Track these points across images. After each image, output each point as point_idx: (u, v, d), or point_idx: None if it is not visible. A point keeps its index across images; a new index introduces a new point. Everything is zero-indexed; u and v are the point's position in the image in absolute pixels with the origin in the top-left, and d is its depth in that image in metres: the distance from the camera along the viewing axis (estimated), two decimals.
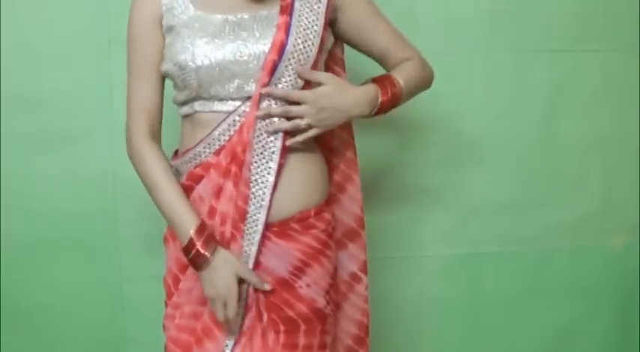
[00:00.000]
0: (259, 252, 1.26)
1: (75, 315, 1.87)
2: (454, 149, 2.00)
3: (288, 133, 1.25)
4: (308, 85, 1.25)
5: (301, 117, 1.23)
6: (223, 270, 1.21)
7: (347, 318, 1.46)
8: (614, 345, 2.16)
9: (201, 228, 1.22)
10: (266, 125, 1.23)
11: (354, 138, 1.46)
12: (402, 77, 1.33)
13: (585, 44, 2.02)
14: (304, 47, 1.22)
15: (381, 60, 1.40)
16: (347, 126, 1.43)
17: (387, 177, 1.98)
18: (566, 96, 2.04)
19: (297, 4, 1.24)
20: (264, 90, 1.22)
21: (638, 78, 2.07)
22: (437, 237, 2.03)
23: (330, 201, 1.37)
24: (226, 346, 1.27)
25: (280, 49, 1.20)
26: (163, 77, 1.30)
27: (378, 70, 1.40)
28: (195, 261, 1.22)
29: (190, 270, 1.29)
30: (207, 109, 1.26)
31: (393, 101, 1.31)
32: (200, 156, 1.27)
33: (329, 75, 1.28)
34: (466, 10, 1.95)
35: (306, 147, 1.29)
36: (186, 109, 1.29)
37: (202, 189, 1.26)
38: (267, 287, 1.26)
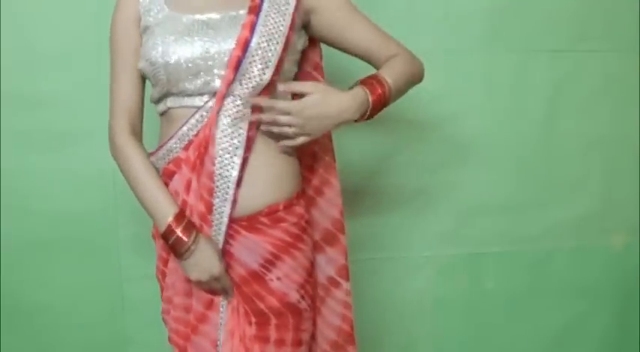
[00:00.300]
0: (229, 244, 1.29)
1: (75, 315, 1.87)
2: (454, 149, 2.00)
3: (254, 129, 1.26)
4: (274, 82, 1.26)
5: (289, 126, 1.25)
6: (208, 251, 1.25)
7: (325, 323, 1.44)
8: (614, 345, 2.16)
9: (180, 216, 1.25)
10: (232, 121, 1.25)
11: (332, 143, 1.47)
12: (389, 75, 1.31)
13: (585, 44, 2.02)
14: (268, 45, 1.24)
15: (366, 60, 1.39)
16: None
17: (386, 178, 1.98)
18: (567, 96, 2.04)
19: (265, 5, 1.26)
20: (253, 101, 1.24)
21: (638, 78, 2.07)
22: (437, 237, 2.03)
23: (302, 196, 1.37)
24: (220, 324, 1.30)
25: (244, 46, 1.23)
26: (143, 76, 1.34)
27: (360, 70, 1.39)
28: (176, 248, 1.24)
29: (171, 264, 1.33)
30: (177, 105, 1.29)
31: (382, 101, 1.30)
32: (172, 151, 1.30)
33: (312, 84, 1.30)
34: (466, 10, 1.95)
35: (275, 142, 1.30)
36: (161, 107, 1.33)
37: (177, 183, 1.29)
38: None
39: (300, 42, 1.34)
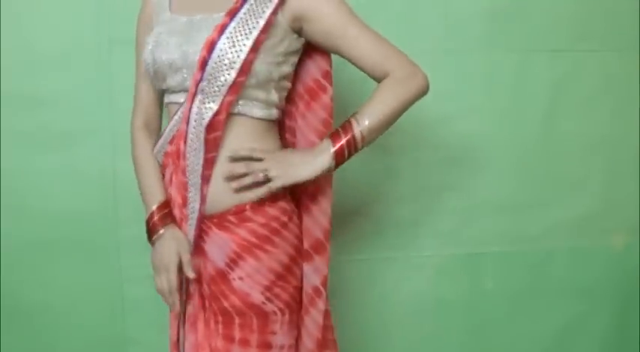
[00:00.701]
0: (203, 241, 1.34)
1: (75, 315, 1.87)
2: (454, 149, 2.00)
3: (212, 129, 1.28)
4: (239, 83, 1.26)
5: (264, 171, 1.29)
6: (170, 243, 1.32)
7: (307, 332, 1.41)
8: (614, 345, 2.16)
9: (164, 205, 1.35)
10: (200, 118, 1.27)
11: None
12: (368, 114, 1.29)
13: (585, 44, 2.02)
14: (234, 46, 1.26)
15: (363, 71, 1.37)
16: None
17: (386, 177, 1.98)
18: (567, 96, 2.04)
19: (244, 8, 1.29)
20: (233, 156, 1.29)
21: (638, 78, 2.07)
22: (437, 237, 2.03)
23: (283, 198, 1.36)
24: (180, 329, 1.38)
25: (210, 47, 1.26)
26: None
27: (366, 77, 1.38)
28: (150, 232, 1.35)
29: None
30: (169, 100, 1.37)
31: (350, 147, 1.29)
32: (164, 146, 1.38)
33: None
34: (466, 10, 1.94)
35: (244, 142, 1.31)
36: (164, 102, 1.41)
37: (167, 175, 1.37)
38: (191, 275, 1.31)
39: (284, 45, 1.32)
